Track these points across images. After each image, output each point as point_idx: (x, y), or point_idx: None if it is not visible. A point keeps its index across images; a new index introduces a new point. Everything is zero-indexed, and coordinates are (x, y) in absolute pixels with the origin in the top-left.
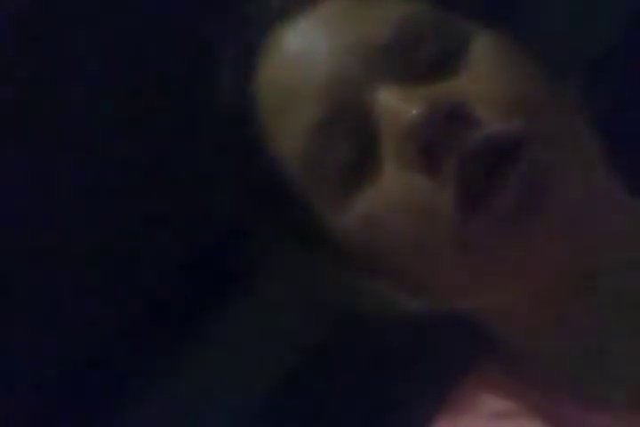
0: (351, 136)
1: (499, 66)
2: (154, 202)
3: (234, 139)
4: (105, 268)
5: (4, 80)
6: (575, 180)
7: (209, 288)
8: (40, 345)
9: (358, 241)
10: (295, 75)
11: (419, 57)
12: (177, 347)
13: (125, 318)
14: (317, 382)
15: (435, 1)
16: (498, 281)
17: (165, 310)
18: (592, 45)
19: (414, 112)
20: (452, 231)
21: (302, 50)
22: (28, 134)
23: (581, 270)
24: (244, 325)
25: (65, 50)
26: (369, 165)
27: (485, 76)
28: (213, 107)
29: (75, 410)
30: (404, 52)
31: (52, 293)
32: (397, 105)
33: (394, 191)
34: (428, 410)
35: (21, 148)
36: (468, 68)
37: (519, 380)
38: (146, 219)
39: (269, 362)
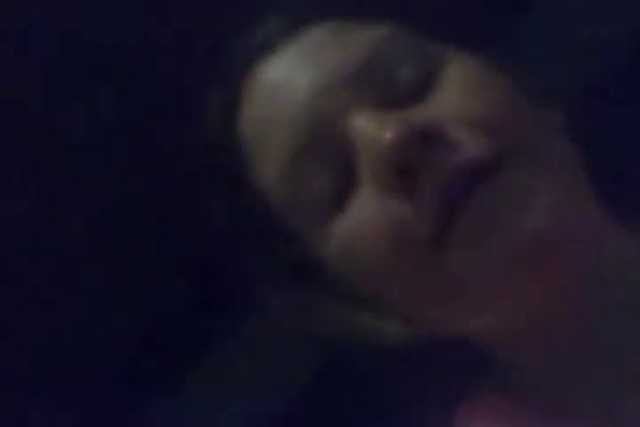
0: (329, 164)
1: (472, 87)
2: (139, 232)
3: (219, 173)
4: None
5: None
6: (555, 202)
7: (194, 329)
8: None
9: (341, 268)
10: (272, 106)
11: (393, 81)
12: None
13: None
14: (309, 416)
15: (408, 25)
16: (476, 303)
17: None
18: (579, 70)
19: (389, 135)
20: (427, 251)
21: (278, 81)
22: None
23: (566, 290)
24: (232, 364)
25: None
26: (347, 192)
27: (459, 98)
28: (199, 142)
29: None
30: (378, 77)
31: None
32: (372, 129)
33: (369, 216)
34: None
35: None
36: (442, 90)
37: (519, 405)
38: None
39: (259, 403)
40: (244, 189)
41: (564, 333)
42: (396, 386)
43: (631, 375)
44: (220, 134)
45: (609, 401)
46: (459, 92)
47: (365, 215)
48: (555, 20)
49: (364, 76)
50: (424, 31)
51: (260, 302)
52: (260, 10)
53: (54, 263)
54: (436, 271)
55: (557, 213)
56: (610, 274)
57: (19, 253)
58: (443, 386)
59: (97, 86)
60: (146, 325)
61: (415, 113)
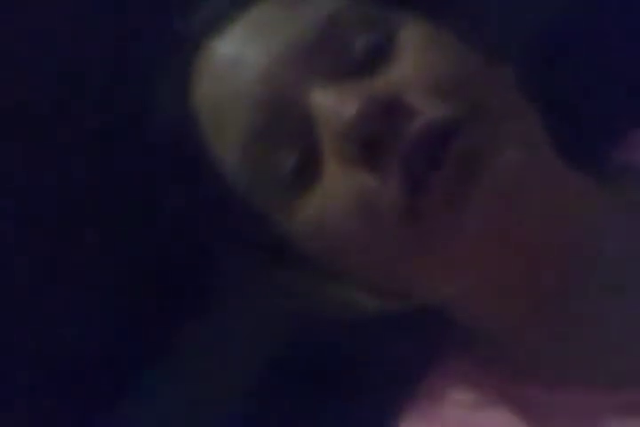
0: (290, 140)
1: (427, 52)
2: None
3: (177, 157)
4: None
5: None
6: (516, 155)
7: (165, 304)
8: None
9: (311, 244)
10: (226, 85)
11: (347, 52)
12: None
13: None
14: (286, 388)
15: None
16: (450, 273)
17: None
18: (529, 25)
19: (350, 111)
20: (397, 222)
21: (231, 59)
22: None
23: (541, 248)
24: (206, 340)
25: None
26: (312, 168)
27: (414, 65)
28: (154, 126)
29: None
30: (333, 48)
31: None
32: (333, 105)
33: (337, 191)
34: (397, 404)
35: None
36: (398, 58)
37: (489, 369)
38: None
39: (233, 376)
40: (204, 170)
41: (535, 300)
42: (368, 357)
43: (603, 344)
44: (174, 114)
45: (580, 369)
46: (413, 59)
47: (333, 190)
48: None
49: (319, 48)
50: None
51: (231, 282)
52: None
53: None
54: (407, 240)
55: (521, 172)
56: (580, 232)
57: None
58: (412, 355)
59: None
60: (118, 309)
61: (374, 85)
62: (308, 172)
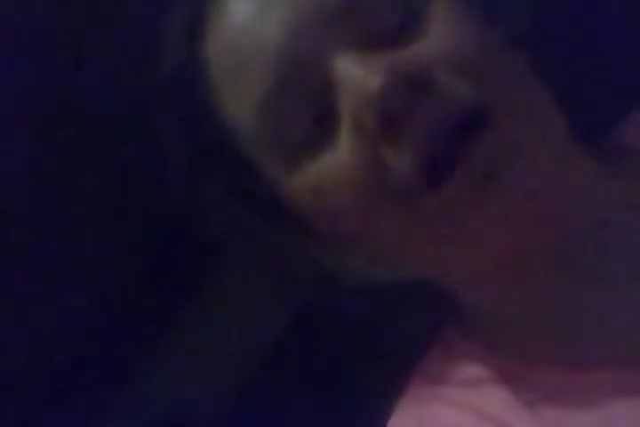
0: (307, 102)
1: (456, 29)
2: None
3: (184, 107)
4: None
5: None
6: (540, 148)
7: (169, 274)
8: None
9: (311, 210)
10: (246, 42)
11: (377, 22)
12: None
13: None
14: (291, 362)
15: None
16: (456, 250)
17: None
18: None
19: (376, 82)
20: (409, 202)
21: (252, 15)
22: None
23: (548, 235)
24: (211, 311)
25: None
26: (324, 135)
27: (443, 40)
28: (161, 76)
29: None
30: (361, 16)
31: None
32: (356, 73)
33: (348, 160)
34: (397, 380)
35: None
36: (427, 33)
37: (488, 346)
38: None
39: (239, 349)
40: (214, 126)
41: (537, 278)
42: (366, 335)
43: (601, 319)
44: (184, 58)
45: (579, 347)
46: (442, 35)
47: (344, 158)
48: None
49: (348, 14)
50: None
51: (230, 246)
52: None
53: None
54: (418, 215)
55: (546, 156)
56: (584, 216)
57: None
58: (412, 333)
59: None
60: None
61: (401, 56)
62: (318, 138)
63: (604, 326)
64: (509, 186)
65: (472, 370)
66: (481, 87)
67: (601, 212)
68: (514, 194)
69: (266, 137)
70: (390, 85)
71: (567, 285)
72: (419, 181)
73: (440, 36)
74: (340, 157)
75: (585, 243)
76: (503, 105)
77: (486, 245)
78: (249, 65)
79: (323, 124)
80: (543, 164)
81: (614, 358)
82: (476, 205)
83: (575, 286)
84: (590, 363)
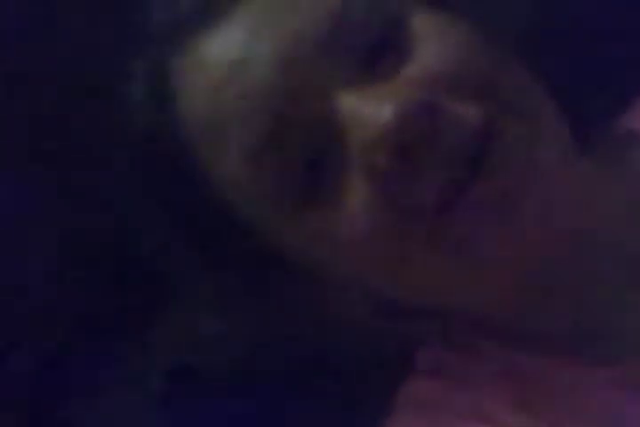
0: (301, 150)
1: (446, 43)
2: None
3: (161, 167)
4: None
5: None
6: (550, 156)
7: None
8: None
9: (314, 255)
10: (228, 90)
11: (362, 48)
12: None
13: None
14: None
15: None
16: (477, 276)
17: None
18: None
19: (388, 115)
20: (431, 232)
21: (230, 60)
22: None
23: (563, 247)
24: None
25: None
26: (323, 179)
27: (436, 58)
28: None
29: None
30: (346, 44)
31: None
32: (366, 109)
33: (360, 208)
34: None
35: None
36: (416, 49)
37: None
38: None
39: None
40: (187, 177)
41: (557, 286)
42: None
43: (618, 318)
44: (153, 121)
45: (595, 344)
46: (434, 52)
47: (359, 205)
48: None
49: (331, 43)
50: None
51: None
52: None
53: None
54: (439, 247)
55: (554, 164)
56: (596, 225)
57: None
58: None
59: None
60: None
61: (401, 86)
62: (317, 183)
63: (621, 325)
64: (526, 199)
65: (472, 363)
66: (486, 102)
67: (608, 218)
68: (531, 207)
69: (256, 188)
70: (403, 117)
71: (581, 286)
72: (438, 207)
73: (432, 54)
74: (352, 206)
75: (596, 248)
76: (510, 116)
77: (506, 262)
78: (232, 117)
79: (320, 169)
80: (554, 173)
81: (631, 355)
82: (493, 221)
83: (589, 287)
84: (606, 360)
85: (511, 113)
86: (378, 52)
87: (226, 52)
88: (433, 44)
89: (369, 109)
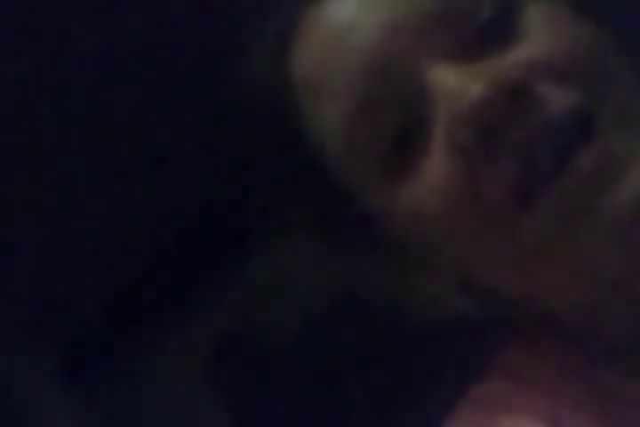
0: (399, 114)
1: (559, 34)
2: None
3: (270, 119)
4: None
5: None
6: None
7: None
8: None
9: (405, 231)
10: (337, 49)
11: (471, 27)
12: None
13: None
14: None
15: None
16: (562, 272)
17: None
18: None
19: (475, 93)
20: (509, 222)
21: (345, 23)
22: None
23: None
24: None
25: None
26: (413, 149)
27: (545, 47)
28: (248, 88)
29: None
30: (455, 22)
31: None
32: (456, 84)
33: (441, 181)
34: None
35: None
36: (525, 37)
37: (568, 349)
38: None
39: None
40: (293, 133)
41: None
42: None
43: None
44: (269, 75)
45: None
46: (544, 41)
47: (438, 179)
48: None
49: (440, 20)
50: None
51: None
52: None
53: None
54: (517, 238)
55: None
56: None
57: None
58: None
59: None
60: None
61: (499, 66)
62: (407, 153)
63: None
64: (618, 208)
65: (548, 370)
66: (585, 96)
67: None
68: (624, 218)
69: (353, 151)
70: (489, 96)
71: None
72: (517, 196)
73: (541, 43)
74: (431, 175)
75: None
76: (606, 117)
77: (590, 262)
78: (337, 74)
79: (412, 138)
80: None
81: None
82: (574, 223)
83: None
84: None
85: (610, 116)
86: (485, 34)
87: (343, 15)
88: (544, 35)
89: (461, 85)
